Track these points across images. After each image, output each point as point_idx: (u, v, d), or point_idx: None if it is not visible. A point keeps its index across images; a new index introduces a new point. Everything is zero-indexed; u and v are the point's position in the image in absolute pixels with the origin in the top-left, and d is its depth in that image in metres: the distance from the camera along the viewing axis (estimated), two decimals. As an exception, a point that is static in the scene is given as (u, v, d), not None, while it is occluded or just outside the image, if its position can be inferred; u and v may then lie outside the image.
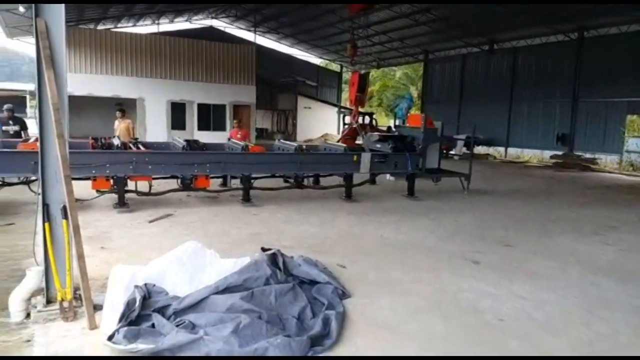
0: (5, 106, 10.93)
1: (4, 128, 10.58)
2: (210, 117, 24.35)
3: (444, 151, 21.33)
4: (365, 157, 10.01)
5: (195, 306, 3.80)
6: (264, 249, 4.94)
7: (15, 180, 8.53)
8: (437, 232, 7.51)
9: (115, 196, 8.20)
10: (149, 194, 8.59)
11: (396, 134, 12.27)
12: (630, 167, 19.39)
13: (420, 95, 34.13)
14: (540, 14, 20.75)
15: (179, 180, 8.79)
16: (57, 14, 3.83)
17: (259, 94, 26.53)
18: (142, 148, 8.94)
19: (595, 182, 15.49)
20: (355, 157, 9.97)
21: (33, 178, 8.04)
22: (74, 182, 7.61)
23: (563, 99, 22.85)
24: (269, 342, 3.29)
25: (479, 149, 25.06)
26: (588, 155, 20.66)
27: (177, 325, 3.49)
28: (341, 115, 32.09)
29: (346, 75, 44.82)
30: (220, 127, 24.02)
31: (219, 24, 33.68)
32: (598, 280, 5.37)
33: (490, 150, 25.62)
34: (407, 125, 12.68)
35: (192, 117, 24.01)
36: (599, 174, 18.21)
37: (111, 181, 8.03)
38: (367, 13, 19.19)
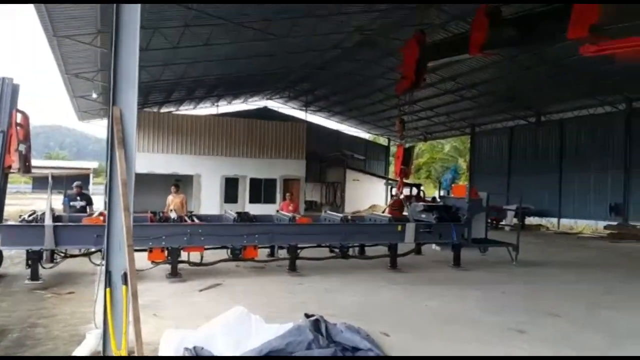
0: (75, 183, 11.99)
1: (71, 203, 11.54)
2: (262, 190, 25.28)
3: (494, 222, 20.97)
4: (410, 227, 10.12)
5: (239, 369, 3.98)
6: (307, 315, 5.09)
7: (76, 252, 9.25)
8: (483, 303, 7.38)
9: (168, 267, 8.64)
10: (200, 264, 8.98)
11: (441, 204, 12.35)
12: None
13: (468, 167, 34.05)
14: (586, 86, 20.83)
15: (229, 251, 9.17)
16: (130, 102, 4.41)
17: (308, 167, 27.43)
18: (196, 220, 9.47)
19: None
20: (399, 227, 10.10)
21: (93, 250, 8.70)
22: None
23: (615, 169, 22.24)
24: (308, 405, 3.40)
25: (531, 220, 24.40)
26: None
27: (222, 387, 3.67)
28: (388, 187, 32.33)
29: (393, 149, 45.62)
30: (271, 200, 24.81)
31: (273, 104, 35.67)
32: None
33: (543, 221, 24.89)
34: (452, 195, 12.74)
35: (244, 191, 25.00)
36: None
37: (166, 252, 8.50)
38: (412, 91, 19.91)
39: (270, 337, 4.44)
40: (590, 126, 23.86)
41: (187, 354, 4.00)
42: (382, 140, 42.60)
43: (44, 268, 8.26)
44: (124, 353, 4.13)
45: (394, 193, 27.37)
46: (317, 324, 4.83)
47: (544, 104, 25.28)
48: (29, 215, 8.93)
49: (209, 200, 23.74)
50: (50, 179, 8.06)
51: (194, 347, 4.18)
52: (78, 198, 11.72)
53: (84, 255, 9.22)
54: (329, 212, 12.16)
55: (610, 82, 19.78)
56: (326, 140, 35.06)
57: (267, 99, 34.66)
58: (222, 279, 8.59)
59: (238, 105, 34.21)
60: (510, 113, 27.29)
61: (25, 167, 8.45)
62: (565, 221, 24.49)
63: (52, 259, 8.74)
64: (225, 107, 33.75)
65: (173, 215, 9.62)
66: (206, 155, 24.56)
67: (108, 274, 4.27)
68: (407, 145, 22.16)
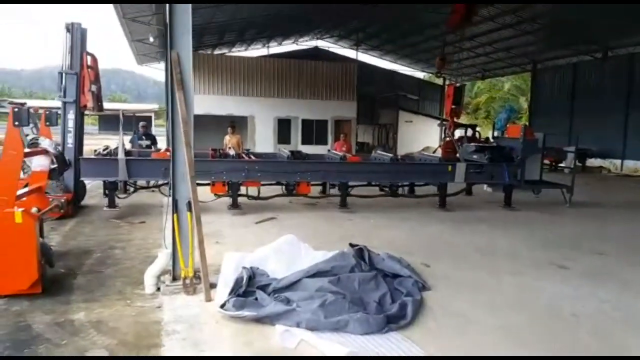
0: (141, 123, 12.86)
1: (138, 142, 12.40)
2: (313, 131, 25.67)
3: (553, 164, 20.42)
4: (460, 167, 10.17)
5: (290, 286, 4.48)
6: (352, 245, 5.50)
7: (146, 184, 10.13)
8: (529, 240, 7.55)
9: (229, 200, 9.33)
10: (257, 197, 9.62)
11: (494, 144, 12.24)
12: None
13: (529, 106, 32.73)
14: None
15: (284, 187, 9.74)
16: (186, 46, 4.78)
17: (361, 109, 27.37)
18: (253, 158, 10.03)
19: None
20: (449, 168, 10.20)
21: (160, 183, 9.52)
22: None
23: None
24: (349, 316, 3.86)
25: (593, 162, 23.50)
26: None
27: (275, 299, 4.19)
28: (442, 128, 31.77)
29: (449, 88, 44.30)
30: (323, 141, 25.22)
31: (324, 44, 35.22)
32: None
33: (606, 163, 23.90)
34: (507, 136, 12.55)
35: (296, 132, 25.50)
36: None
37: (226, 186, 9.17)
38: (464, 27, 19.07)
39: (317, 261, 4.90)
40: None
41: (244, 272, 4.53)
42: (438, 80, 41.38)
43: (119, 198, 9.26)
44: (190, 270, 4.72)
45: (446, 134, 27.08)
46: (360, 252, 5.24)
47: (611, 37, 23.58)
48: (104, 150, 9.80)
49: (262, 141, 24.46)
50: (121, 116, 8.75)
51: (251, 267, 4.71)
52: (144, 137, 12.57)
53: (153, 187, 10.25)
54: (379, 152, 12.37)
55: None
56: (379, 81, 34.52)
57: (318, 38, 34.23)
58: (277, 213, 9.17)
59: (289, 46, 34.09)
60: (574, 48, 25.67)
61: (99, 107, 9.13)
62: (630, 163, 23.39)
63: (125, 190, 9.78)
64: (275, 48, 33.74)
65: (232, 152, 10.21)
66: (259, 97, 25.03)
67: (175, 201, 4.80)
68: (458, 84, 21.61)
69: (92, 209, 9.34)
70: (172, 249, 4.86)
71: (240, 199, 9.39)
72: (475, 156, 11.09)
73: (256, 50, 33.77)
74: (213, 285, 4.70)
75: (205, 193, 9.10)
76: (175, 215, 4.77)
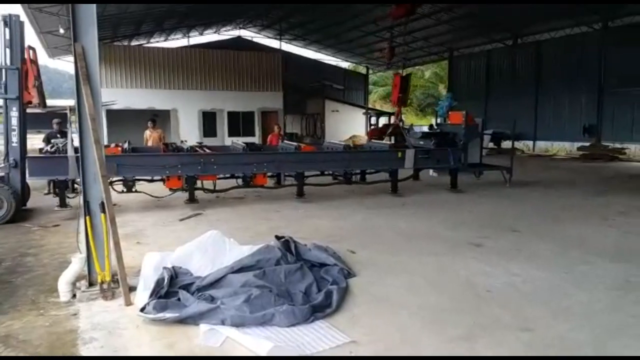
0: (55, 120, 11.95)
1: (52, 141, 11.56)
2: (240, 123, 25.28)
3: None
4: (410, 153, 10.58)
5: (214, 284, 4.39)
6: (278, 237, 5.48)
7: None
8: (447, 222, 7.89)
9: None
10: (214, 190, 9.67)
11: (437, 131, 12.78)
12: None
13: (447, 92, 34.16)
14: (563, 6, 20.64)
15: (238, 180, 9.80)
16: (92, 39, 4.49)
17: (287, 99, 27.29)
18: (207, 151, 9.98)
19: (620, 172, 15.41)
20: (400, 154, 10.59)
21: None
22: (152, 183, 9.15)
23: (589, 90, 22.60)
24: (275, 309, 3.85)
25: (507, 144, 24.99)
26: (617, 145, 20.39)
27: (198, 299, 4.09)
28: (368, 117, 32.45)
29: (373, 77, 45.20)
30: (250, 132, 24.96)
31: (247, 33, 34.68)
32: (593, 260, 5.67)
33: (519, 144, 25.51)
34: (449, 122, 13.13)
35: (222, 125, 25.02)
36: (626, 164, 18.03)
37: (182, 180, 9.09)
38: (408, 20, 19.66)
39: (243, 255, 4.83)
40: (565, 47, 23.94)
41: (166, 273, 4.38)
42: (361, 69, 42.08)
43: (69, 197, 8.83)
44: (107, 274, 4.50)
45: (373, 123, 27.77)
46: (287, 244, 5.23)
47: (520, 25, 25.12)
48: (51, 148, 9.27)
49: (187, 135, 23.71)
50: (69, 112, 8.29)
51: (173, 267, 4.57)
52: (59, 135, 11.71)
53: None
54: (332, 141, 12.72)
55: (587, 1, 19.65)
56: (305, 71, 34.60)
57: (240, 28, 33.68)
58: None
59: (210, 36, 33.30)
60: (487, 36, 27.09)
61: (44, 102, 8.75)
62: (541, 144, 25.12)
63: (73, 190, 9.26)
64: (197, 38, 32.82)
65: (185, 146, 10.17)
66: (182, 90, 24.26)
67: (86, 203, 4.54)
68: (404, 74, 22.15)
69: (38, 211, 8.84)
70: (87, 253, 4.60)
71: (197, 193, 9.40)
72: (422, 142, 11.62)
73: (176, 41, 32.64)
74: (133, 289, 4.51)
75: (160, 189, 9.29)
76: (87, 217, 4.52)
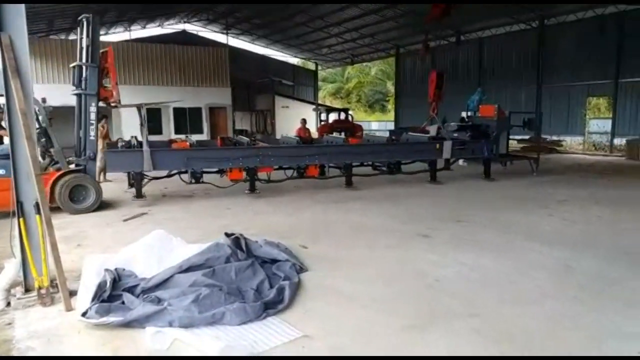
0: None
1: None
2: (187, 120, 24.64)
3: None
4: (447, 145, 11.21)
5: (161, 285, 4.22)
6: (227, 234, 5.34)
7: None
8: (397, 216, 8.02)
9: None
10: (269, 181, 10.21)
11: (470, 124, 13.44)
12: (592, 147, 20.21)
13: (395, 89, 34.69)
14: (502, 4, 21.40)
15: (290, 171, 10.46)
16: (20, 29, 4.20)
17: (237, 95, 26.80)
18: (261, 144, 10.55)
19: (557, 163, 16.19)
20: (437, 146, 11.26)
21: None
22: (212, 174, 9.53)
23: (528, 86, 23.58)
24: (226, 308, 3.75)
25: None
26: (554, 138, 21.40)
27: (144, 301, 3.91)
28: (318, 113, 32.46)
29: (322, 74, 45.27)
30: (198, 130, 24.33)
31: (192, 27, 33.82)
32: (535, 247, 5.90)
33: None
34: (480, 115, 13.86)
35: (168, 121, 24.29)
36: (563, 156, 18.97)
37: (243, 172, 9.67)
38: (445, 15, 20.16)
39: (191, 254, 4.68)
40: (506, 44, 24.84)
41: (108, 275, 4.17)
42: (310, 65, 42.06)
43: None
44: (45, 279, 4.24)
45: (323, 118, 27.80)
46: (237, 241, 5.10)
47: (463, 23, 25.81)
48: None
49: (130, 132, 22.85)
50: (144, 109, 9.22)
51: (115, 269, 4.36)
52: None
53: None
54: (286, 135, 13.20)
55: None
56: (253, 66, 34.15)
57: (185, 22, 32.82)
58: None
59: (153, 30, 32.21)
60: (431, 33, 27.68)
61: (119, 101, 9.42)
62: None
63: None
64: (139, 31, 31.67)
65: (243, 140, 10.77)
66: (123, 85, 23.15)
67: (19, 204, 4.26)
68: (439, 71, 22.19)
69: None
70: (22, 257, 4.32)
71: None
72: (456, 134, 12.32)
73: (117, 35, 31.38)
74: (73, 293, 4.27)
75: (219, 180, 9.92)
76: (21, 219, 4.23)
